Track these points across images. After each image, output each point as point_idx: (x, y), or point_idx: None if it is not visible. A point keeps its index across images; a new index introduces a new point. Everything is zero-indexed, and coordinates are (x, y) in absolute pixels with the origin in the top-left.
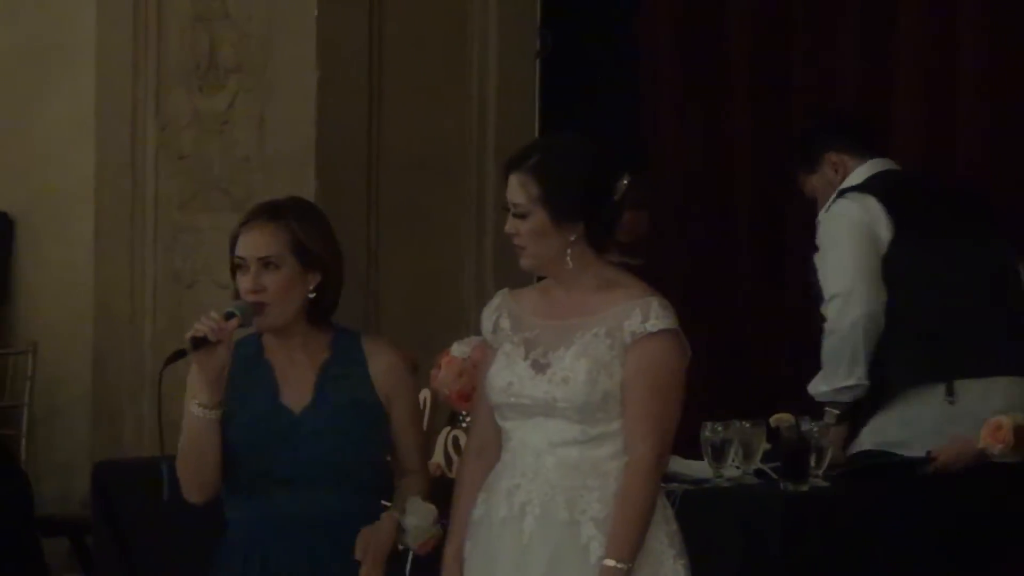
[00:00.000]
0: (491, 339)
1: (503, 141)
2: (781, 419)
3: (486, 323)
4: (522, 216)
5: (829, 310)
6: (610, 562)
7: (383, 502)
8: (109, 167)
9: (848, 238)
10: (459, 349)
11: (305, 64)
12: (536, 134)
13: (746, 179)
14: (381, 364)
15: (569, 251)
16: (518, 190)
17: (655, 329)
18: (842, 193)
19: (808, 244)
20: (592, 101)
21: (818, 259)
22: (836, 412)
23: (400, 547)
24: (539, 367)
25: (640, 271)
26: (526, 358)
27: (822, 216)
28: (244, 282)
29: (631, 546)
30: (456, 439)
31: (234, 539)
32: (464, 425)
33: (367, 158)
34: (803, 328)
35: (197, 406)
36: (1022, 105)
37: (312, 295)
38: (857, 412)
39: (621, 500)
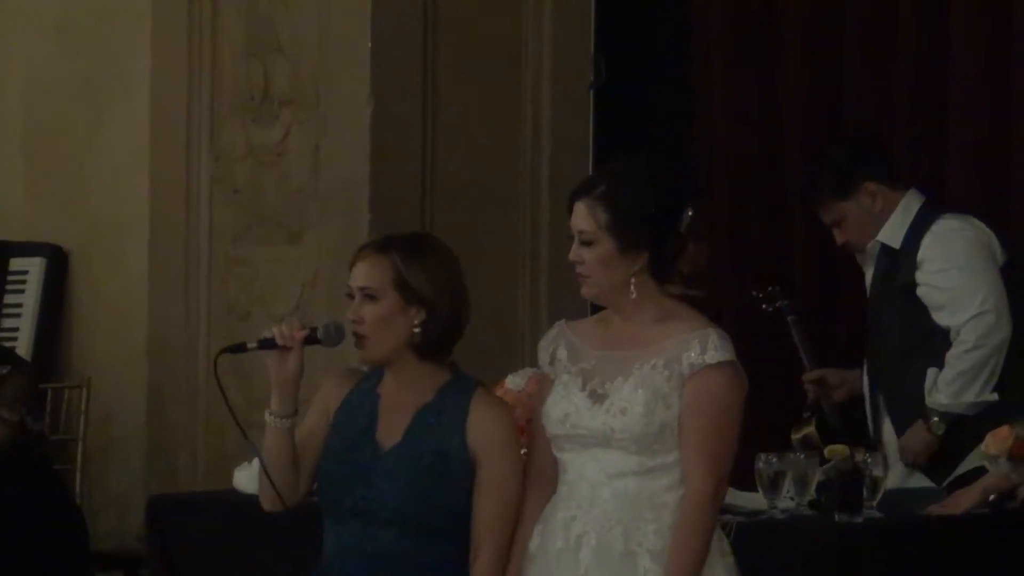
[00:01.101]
0: (548, 370)
1: (557, 171)
2: (835, 451)
3: (543, 354)
4: (588, 244)
5: (976, 327)
6: None
7: None
8: (163, 199)
9: (979, 257)
10: (513, 381)
11: (359, 96)
12: (591, 163)
13: (801, 207)
14: (479, 419)
15: (633, 280)
16: (586, 217)
17: (713, 361)
18: (933, 213)
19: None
20: (646, 130)
21: (941, 273)
22: (945, 424)
23: None
24: (597, 398)
25: (700, 304)
26: (584, 388)
27: (944, 228)
28: (350, 312)
29: None
30: None
31: (322, 564)
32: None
33: (421, 189)
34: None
35: (268, 413)
36: None
37: (417, 330)
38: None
39: (678, 533)
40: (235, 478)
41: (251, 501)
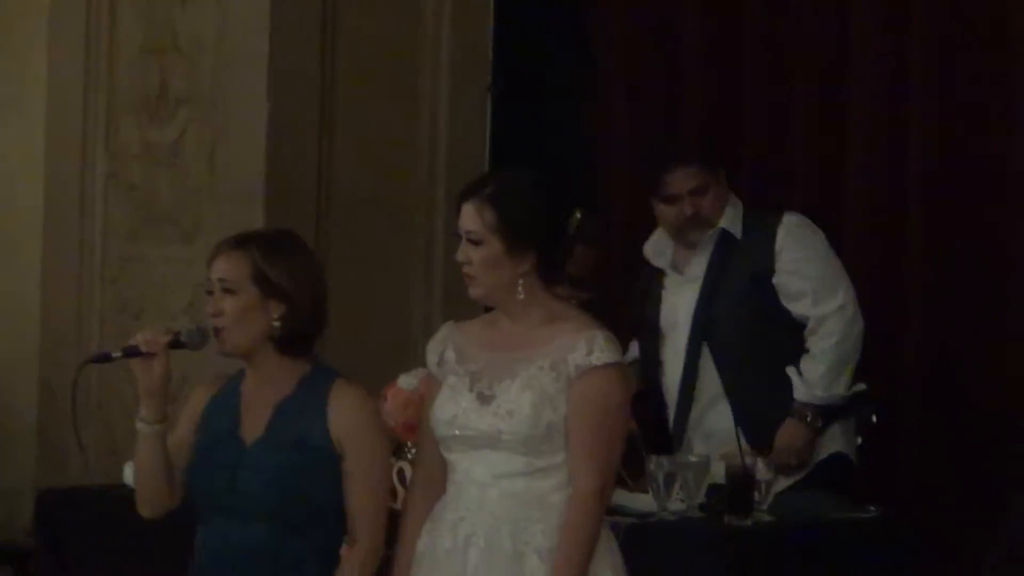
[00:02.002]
0: (436, 372)
1: (453, 177)
2: (725, 454)
3: (431, 356)
4: (475, 244)
5: (842, 318)
6: None
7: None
8: (58, 197)
9: (832, 252)
10: (406, 381)
11: (256, 97)
12: (487, 170)
13: None
14: (340, 408)
15: (521, 282)
16: (473, 217)
17: (600, 363)
18: (767, 209)
19: None
20: (544, 138)
21: (803, 262)
22: (821, 419)
23: None
24: (484, 399)
25: (588, 306)
26: (471, 390)
27: (796, 222)
28: (208, 304)
29: None
30: (402, 471)
31: (194, 564)
32: (410, 457)
33: (317, 191)
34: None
35: (138, 420)
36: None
37: (276, 324)
38: None
39: (565, 532)
40: (125, 473)
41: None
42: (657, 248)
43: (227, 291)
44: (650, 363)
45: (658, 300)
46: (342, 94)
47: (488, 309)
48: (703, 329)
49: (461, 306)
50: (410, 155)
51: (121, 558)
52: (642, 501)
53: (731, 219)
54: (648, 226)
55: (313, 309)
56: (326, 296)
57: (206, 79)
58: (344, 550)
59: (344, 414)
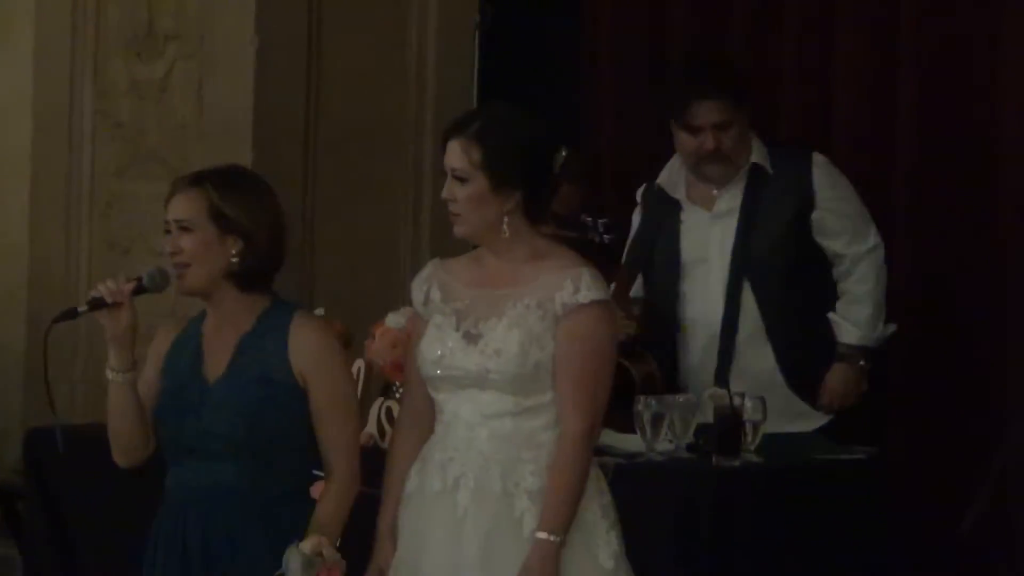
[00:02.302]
0: (422, 311)
1: (441, 113)
2: (715, 394)
3: (416, 294)
4: (461, 181)
5: (876, 258)
6: (543, 534)
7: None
8: (46, 134)
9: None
10: (394, 320)
11: (243, 33)
12: (474, 106)
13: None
14: (300, 341)
15: (506, 219)
16: (459, 155)
17: (586, 300)
18: (795, 146)
19: None
20: (531, 75)
21: (840, 200)
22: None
23: None
24: (471, 338)
25: (572, 244)
26: (457, 329)
27: (826, 160)
28: (165, 244)
29: (564, 519)
30: (389, 410)
31: (164, 505)
32: (398, 396)
33: (304, 128)
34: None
35: (108, 369)
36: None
37: (235, 260)
38: None
39: (554, 472)
40: None
41: None
42: (672, 180)
43: (184, 229)
44: (667, 298)
45: (676, 234)
46: (329, 29)
47: (475, 246)
48: (743, 265)
49: (449, 241)
50: (398, 89)
51: (110, 496)
52: (630, 441)
53: (760, 154)
54: (633, 161)
55: (270, 244)
56: (284, 230)
57: (193, 16)
58: (317, 486)
59: (305, 347)
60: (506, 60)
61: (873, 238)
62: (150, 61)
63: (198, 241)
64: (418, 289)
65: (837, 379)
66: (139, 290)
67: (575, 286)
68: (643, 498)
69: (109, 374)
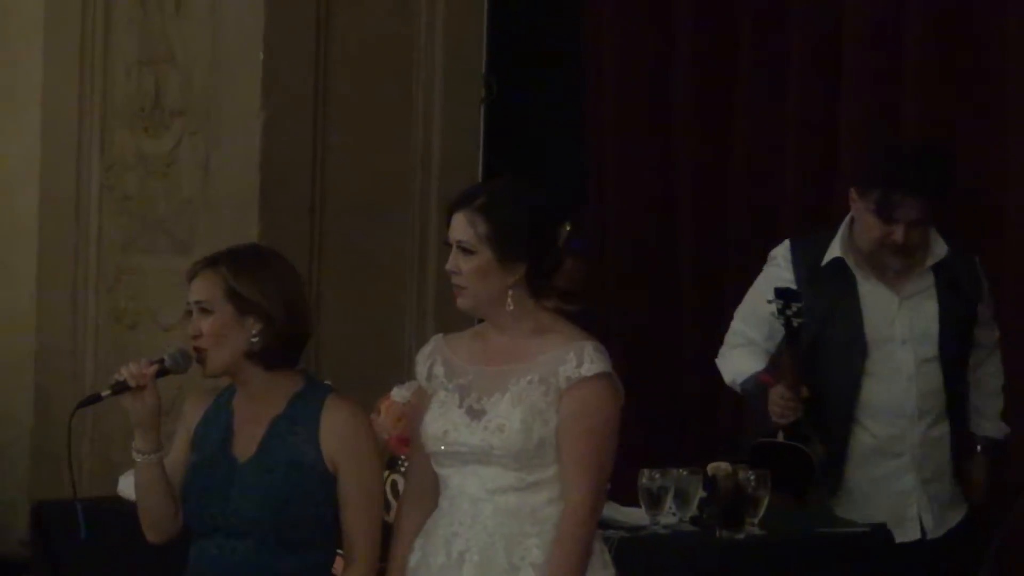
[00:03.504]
0: (426, 386)
1: (447, 186)
2: (718, 468)
3: (420, 369)
4: (467, 253)
5: (999, 351)
6: None
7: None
8: (53, 206)
9: None
10: (399, 393)
11: (250, 108)
12: (479, 180)
13: (689, 222)
14: (333, 426)
15: (510, 293)
16: (465, 227)
17: (589, 374)
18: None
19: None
20: (536, 148)
21: (989, 292)
22: None
23: None
24: (474, 414)
25: (577, 318)
26: (461, 405)
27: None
28: (189, 328)
29: None
30: (395, 483)
31: None
32: (403, 470)
33: (311, 202)
34: None
35: (135, 451)
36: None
37: (255, 340)
38: None
39: (558, 545)
40: (120, 485)
41: (135, 508)
42: (843, 250)
43: (204, 311)
44: (845, 378)
45: (858, 311)
46: (335, 104)
47: (479, 320)
48: (941, 350)
49: (454, 316)
50: (404, 164)
51: (116, 570)
52: (634, 515)
53: (942, 251)
54: (637, 234)
55: (290, 321)
56: (304, 306)
57: (200, 90)
58: (337, 566)
59: (337, 432)
60: (511, 132)
61: (998, 330)
62: (157, 135)
63: (217, 323)
64: (422, 364)
65: (983, 471)
66: (162, 372)
67: (578, 359)
68: (648, 571)
69: (136, 456)
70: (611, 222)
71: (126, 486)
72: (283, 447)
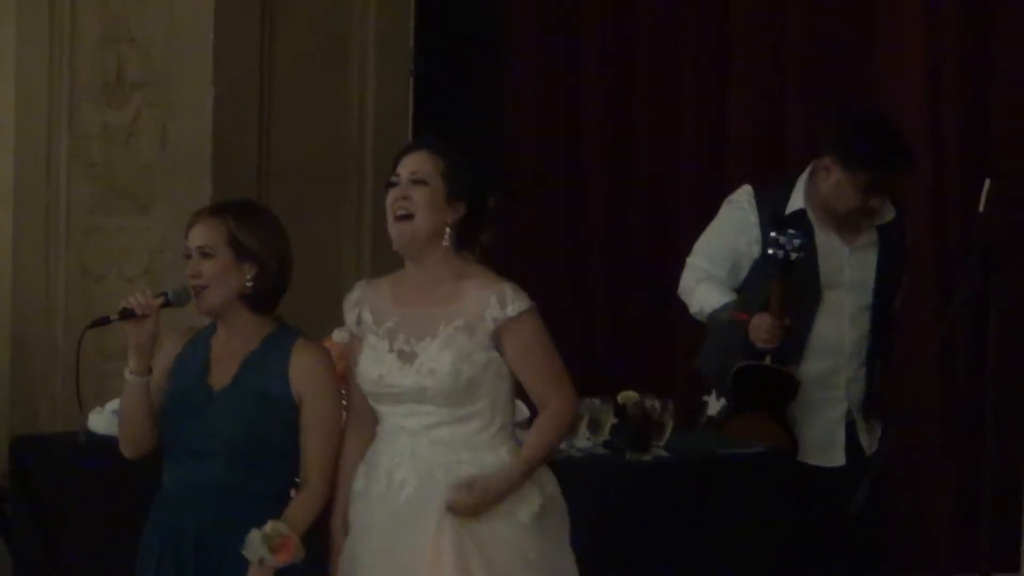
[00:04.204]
0: (356, 331)
1: (380, 152)
2: (627, 396)
3: (349, 316)
4: (421, 184)
5: None
6: (512, 462)
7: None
8: (27, 173)
9: None
10: (339, 335)
11: (203, 82)
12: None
13: (601, 190)
14: (300, 364)
15: (447, 232)
16: (424, 161)
17: (515, 313)
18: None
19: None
20: (460, 118)
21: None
22: None
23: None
24: (405, 357)
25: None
26: (391, 349)
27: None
28: (188, 268)
29: (532, 464)
30: None
31: (160, 499)
32: (344, 403)
33: (258, 167)
34: (656, 318)
35: (127, 371)
36: None
37: (249, 284)
38: None
39: (536, 432)
40: (90, 420)
41: (105, 441)
42: (800, 202)
43: (205, 255)
44: (800, 316)
45: (814, 258)
46: (279, 79)
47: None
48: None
49: (389, 267)
50: (342, 131)
51: (90, 497)
52: None
53: (888, 206)
54: (551, 207)
55: (280, 271)
56: (291, 259)
57: (158, 66)
58: (293, 492)
59: (304, 369)
60: (437, 103)
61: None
62: (119, 107)
63: (217, 266)
64: (350, 311)
65: None
66: (165, 304)
67: (500, 302)
68: (564, 491)
69: (128, 376)
70: (524, 183)
71: (96, 422)
72: (256, 379)
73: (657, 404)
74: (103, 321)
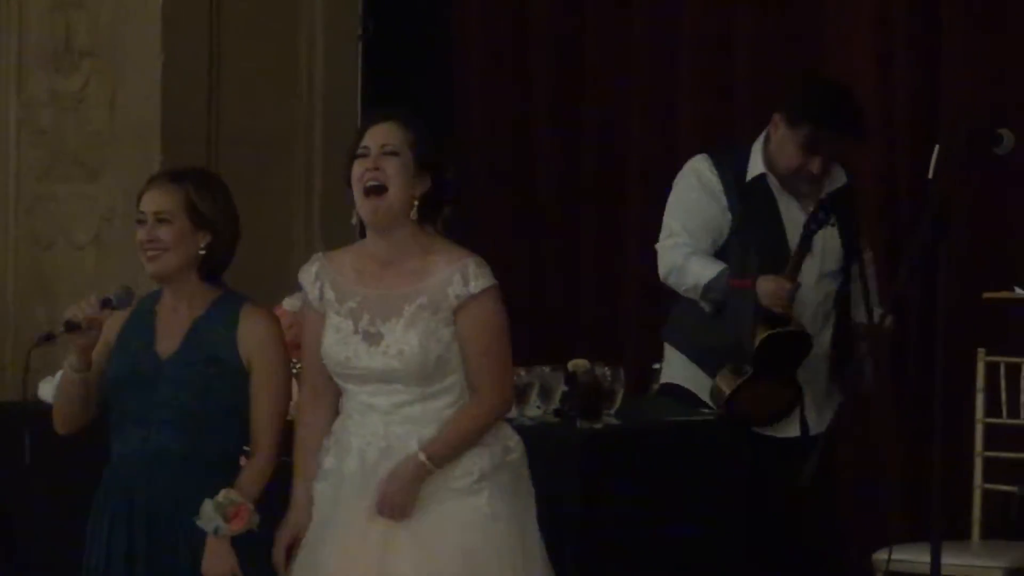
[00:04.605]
0: (317, 306)
1: (329, 119)
2: (578, 365)
3: (310, 291)
4: (392, 155)
5: None
6: (422, 456)
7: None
8: None
9: None
10: (290, 303)
11: (151, 49)
12: (359, 111)
13: (552, 153)
14: (248, 329)
15: (415, 203)
16: (395, 132)
17: (477, 290)
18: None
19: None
20: (409, 79)
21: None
22: None
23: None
24: (371, 338)
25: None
26: (356, 331)
27: None
28: (141, 233)
29: (446, 454)
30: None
31: (111, 469)
32: (295, 372)
33: (207, 132)
34: (605, 284)
35: (67, 365)
36: None
37: (202, 252)
38: None
39: (457, 417)
40: (40, 389)
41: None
42: (758, 167)
43: (161, 220)
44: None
45: (779, 223)
46: (228, 46)
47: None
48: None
49: (338, 234)
50: (290, 95)
51: (41, 464)
52: None
53: (840, 172)
54: (501, 172)
55: (231, 239)
56: (239, 229)
57: (106, 33)
58: (243, 460)
59: (252, 334)
60: (385, 67)
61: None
62: (68, 74)
63: (174, 231)
64: (310, 285)
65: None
66: (110, 310)
67: (464, 278)
68: None
69: (69, 372)
70: (475, 143)
71: (45, 391)
72: (203, 344)
73: (608, 372)
74: (48, 337)
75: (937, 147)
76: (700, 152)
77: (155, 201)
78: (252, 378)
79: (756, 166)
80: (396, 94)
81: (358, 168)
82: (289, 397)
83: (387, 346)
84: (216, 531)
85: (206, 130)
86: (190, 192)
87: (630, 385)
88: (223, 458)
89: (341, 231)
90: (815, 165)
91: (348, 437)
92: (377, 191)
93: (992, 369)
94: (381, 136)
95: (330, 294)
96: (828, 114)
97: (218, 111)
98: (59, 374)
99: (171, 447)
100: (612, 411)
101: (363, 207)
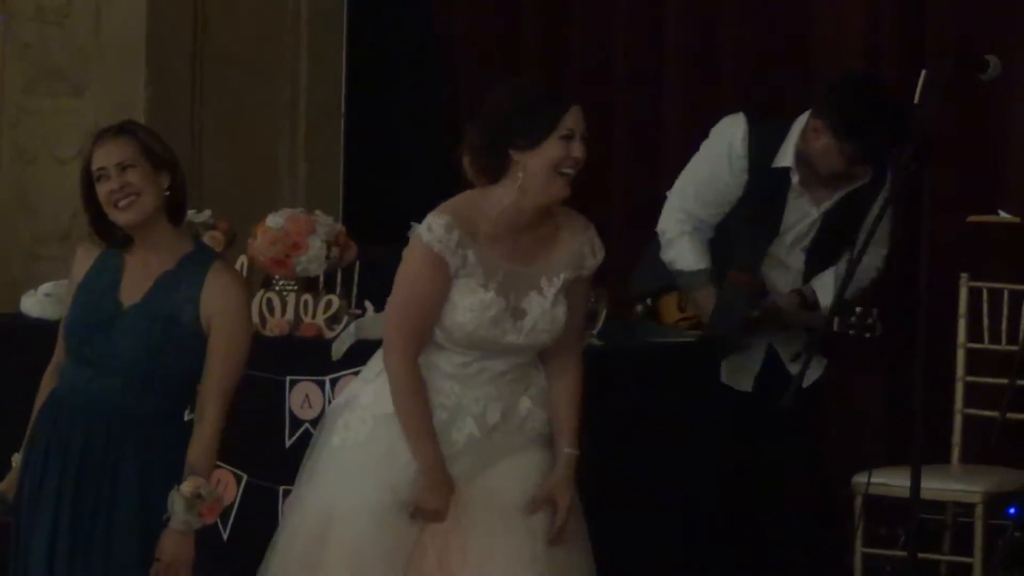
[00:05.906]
0: (451, 261)
1: (314, 38)
2: None
3: (451, 258)
4: (585, 143)
5: None
6: (571, 450)
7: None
8: None
9: None
10: (273, 220)
11: None
12: (344, 33)
13: None
14: (214, 289)
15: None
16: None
17: (600, 260)
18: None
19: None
20: (393, 21)
21: None
22: None
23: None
24: (517, 314)
25: None
26: (506, 309)
27: None
28: (107, 187)
29: (579, 437)
30: (270, 301)
31: (50, 403)
32: (277, 288)
33: (192, 51)
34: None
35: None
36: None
37: (167, 193)
38: None
39: (573, 405)
40: (22, 303)
41: (36, 324)
42: (787, 156)
43: (126, 168)
44: (757, 257)
45: (782, 207)
46: None
47: (352, 160)
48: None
49: (322, 154)
50: (277, 17)
51: (20, 379)
52: None
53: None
54: None
55: (184, 181)
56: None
57: None
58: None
59: (217, 295)
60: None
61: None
62: None
63: (141, 173)
64: (451, 253)
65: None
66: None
67: (593, 250)
68: None
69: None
70: (464, 110)
71: (28, 305)
72: (166, 301)
73: (591, 294)
74: None
75: (924, 72)
76: (737, 113)
77: (113, 153)
78: (211, 338)
79: (785, 157)
80: (380, 17)
81: (560, 151)
82: (244, 367)
83: (534, 321)
84: (186, 524)
85: (191, 48)
86: (140, 137)
87: (613, 307)
88: (164, 415)
89: (327, 153)
90: (859, 171)
91: (461, 403)
92: (564, 181)
93: (974, 294)
94: (581, 121)
95: (476, 268)
96: (880, 131)
97: (204, 29)
98: (43, 288)
99: (114, 396)
100: (595, 332)
101: (552, 186)
